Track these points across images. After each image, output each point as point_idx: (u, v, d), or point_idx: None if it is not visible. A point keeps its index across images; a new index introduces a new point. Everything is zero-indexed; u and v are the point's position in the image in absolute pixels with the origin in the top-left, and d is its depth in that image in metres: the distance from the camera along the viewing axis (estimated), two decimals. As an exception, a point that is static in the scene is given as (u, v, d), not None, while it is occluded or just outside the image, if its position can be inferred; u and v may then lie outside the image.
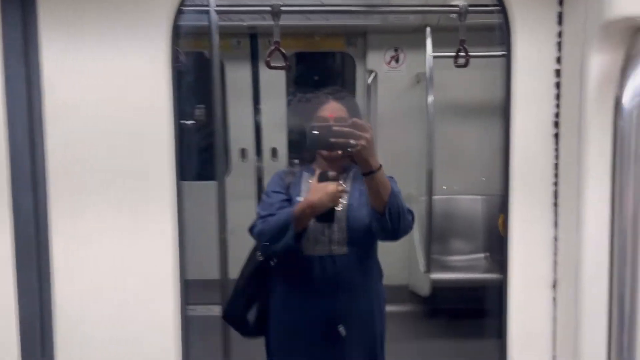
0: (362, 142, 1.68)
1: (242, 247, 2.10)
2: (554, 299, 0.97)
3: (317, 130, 1.75)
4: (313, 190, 1.83)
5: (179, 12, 0.93)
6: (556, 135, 0.95)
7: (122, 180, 0.95)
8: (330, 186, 1.80)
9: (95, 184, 0.94)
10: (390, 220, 1.78)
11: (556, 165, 0.95)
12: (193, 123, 4.22)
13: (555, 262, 0.97)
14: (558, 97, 0.94)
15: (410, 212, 1.85)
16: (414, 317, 4.43)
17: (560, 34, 0.92)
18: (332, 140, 1.71)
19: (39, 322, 0.96)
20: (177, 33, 0.93)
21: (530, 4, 0.93)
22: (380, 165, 1.75)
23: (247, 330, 2.07)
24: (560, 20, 0.92)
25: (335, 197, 1.82)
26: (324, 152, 1.89)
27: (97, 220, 0.94)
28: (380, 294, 2.02)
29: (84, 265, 0.95)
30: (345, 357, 1.95)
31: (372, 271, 2.00)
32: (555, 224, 0.96)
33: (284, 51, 2.60)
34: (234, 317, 2.09)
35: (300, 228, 1.84)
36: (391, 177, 1.88)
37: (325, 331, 1.93)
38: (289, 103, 4.60)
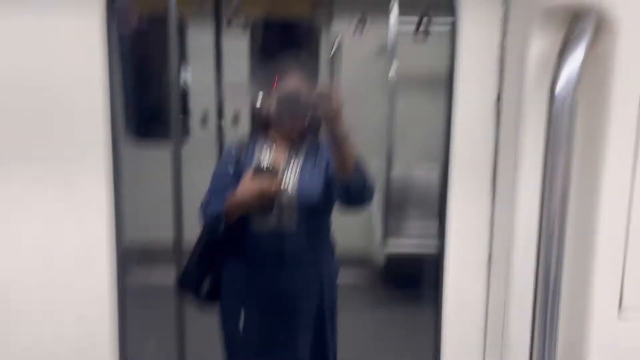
0: (330, 109, 1.65)
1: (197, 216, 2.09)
2: (488, 274, 1.01)
3: (284, 99, 1.71)
4: (244, 185, 1.80)
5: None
6: (497, 113, 0.97)
7: (51, 141, 0.92)
8: (263, 184, 1.76)
9: (20, 146, 0.91)
10: (357, 189, 1.76)
11: (496, 142, 0.98)
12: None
13: (491, 239, 1.00)
14: (501, 76, 0.95)
15: (372, 181, 1.86)
16: (368, 287, 4.51)
17: (505, 16, 0.93)
18: (300, 109, 1.66)
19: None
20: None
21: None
22: (348, 135, 1.74)
23: (201, 300, 2.08)
24: (505, 1, 0.93)
25: (265, 198, 1.79)
26: (284, 121, 1.86)
27: (23, 189, 0.92)
28: (331, 268, 2.05)
29: (9, 238, 0.93)
30: (295, 330, 1.98)
31: (322, 246, 2.02)
32: (493, 200, 0.99)
33: (245, 14, 2.55)
34: (188, 287, 2.08)
35: (234, 218, 1.84)
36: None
37: (274, 306, 1.95)
38: (251, 71, 4.52)
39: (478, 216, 1.00)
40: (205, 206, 1.92)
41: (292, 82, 1.86)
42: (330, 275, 2.04)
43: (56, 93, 0.90)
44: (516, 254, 0.94)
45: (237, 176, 1.86)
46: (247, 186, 1.77)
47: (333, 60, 4.58)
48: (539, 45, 0.85)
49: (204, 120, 4.69)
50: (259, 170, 1.76)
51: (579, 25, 0.80)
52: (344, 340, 2.13)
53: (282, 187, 1.83)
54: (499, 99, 0.96)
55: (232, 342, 2.03)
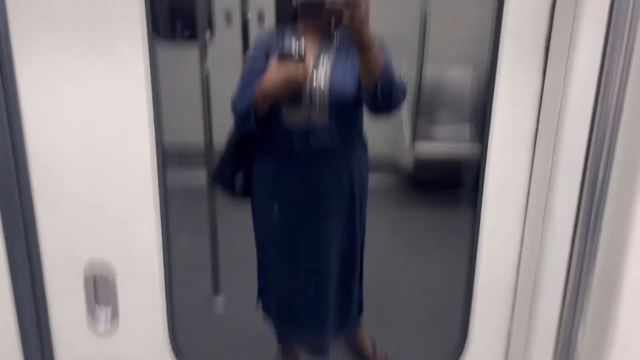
0: (357, 11, 1.55)
1: (227, 113, 2.07)
2: (533, 151, 0.97)
3: (306, 6, 1.61)
4: (270, 72, 1.71)
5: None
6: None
7: (90, 17, 0.88)
8: (289, 70, 1.69)
9: (60, 19, 0.88)
10: (382, 96, 1.69)
11: (551, 18, 0.90)
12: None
13: (539, 112, 0.95)
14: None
15: (403, 89, 1.79)
16: (397, 186, 4.53)
17: None
18: (325, 8, 1.57)
19: (13, 167, 0.94)
20: None
21: None
22: (374, 41, 1.64)
23: (235, 192, 2.10)
24: None
25: (292, 84, 1.70)
26: (309, 23, 1.77)
27: (64, 59, 0.89)
28: (362, 164, 2.03)
29: (53, 107, 0.92)
30: (324, 224, 2.00)
31: (354, 142, 1.99)
32: (544, 74, 0.93)
33: None
34: (222, 180, 2.11)
35: (264, 110, 1.79)
36: (382, 45, 1.79)
37: (305, 200, 1.96)
38: None
39: (526, 94, 0.94)
40: (235, 100, 1.88)
41: None
42: (360, 172, 2.03)
43: None
44: (567, 130, 0.89)
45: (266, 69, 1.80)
46: (274, 72, 1.72)
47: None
48: None
49: (228, 18, 4.55)
50: (285, 56, 1.69)
51: None
52: (374, 242, 2.17)
53: (311, 79, 1.78)
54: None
55: (264, 237, 2.07)
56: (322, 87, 1.80)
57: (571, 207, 0.90)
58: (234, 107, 1.87)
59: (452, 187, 4.06)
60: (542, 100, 0.94)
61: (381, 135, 4.39)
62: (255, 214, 2.08)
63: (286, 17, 1.92)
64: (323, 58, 1.84)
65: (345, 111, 1.86)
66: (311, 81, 1.78)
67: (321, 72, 1.83)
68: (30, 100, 0.90)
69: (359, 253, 2.10)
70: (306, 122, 1.83)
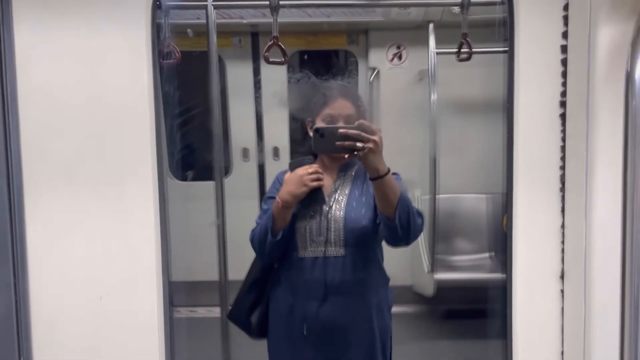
0: (370, 145, 1.56)
1: (243, 249, 2.06)
2: (562, 291, 0.91)
3: (322, 133, 1.62)
4: (284, 184, 1.76)
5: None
6: (563, 116, 0.89)
7: (102, 169, 0.90)
8: (299, 170, 1.71)
9: (72, 171, 0.89)
10: (400, 226, 1.65)
11: (563, 148, 0.89)
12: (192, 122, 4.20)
13: (563, 252, 0.91)
14: (565, 74, 0.88)
15: (420, 215, 1.75)
16: (418, 317, 4.36)
17: (566, 7, 0.86)
18: (338, 143, 1.59)
19: (15, 319, 0.90)
20: (159, 25, 0.88)
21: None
22: (389, 169, 1.66)
23: (252, 332, 2.02)
24: None
25: (303, 180, 1.71)
26: (324, 153, 1.81)
27: (75, 211, 0.89)
28: (383, 299, 1.94)
29: (60, 257, 0.90)
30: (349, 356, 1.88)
31: (372, 275, 1.92)
32: (563, 211, 0.90)
33: (283, 46, 2.54)
34: (238, 319, 2.04)
35: (281, 225, 1.77)
36: (395, 174, 1.80)
37: (321, 336, 1.86)
38: (294, 81, 4.53)
39: (547, 231, 0.91)
40: (253, 231, 1.87)
41: (338, 109, 1.82)
42: (381, 306, 1.94)
43: (108, 116, 0.88)
44: (595, 268, 0.84)
45: None
46: (287, 178, 1.72)
47: (372, 88, 4.56)
48: (608, 35, 0.78)
49: (245, 154, 4.73)
50: (295, 164, 1.72)
51: (654, 8, 0.73)
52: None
53: (327, 210, 1.78)
54: (563, 100, 0.88)
55: None
56: (338, 218, 1.79)
57: (611, 346, 0.82)
58: (252, 236, 1.85)
59: (475, 316, 3.90)
60: (565, 237, 0.90)
61: (401, 266, 4.33)
62: (271, 353, 1.98)
63: (301, 150, 1.98)
64: (339, 189, 1.86)
65: (362, 243, 1.82)
66: (327, 212, 1.80)
67: (337, 203, 1.83)
68: (37, 252, 0.89)
69: None
70: (322, 255, 1.80)
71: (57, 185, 0.89)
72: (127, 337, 0.92)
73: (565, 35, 0.86)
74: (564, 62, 0.87)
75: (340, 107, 1.80)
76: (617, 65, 0.77)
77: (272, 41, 2.53)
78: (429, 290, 4.12)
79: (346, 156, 1.69)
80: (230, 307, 2.11)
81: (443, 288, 4.05)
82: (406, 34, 4.41)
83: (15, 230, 0.89)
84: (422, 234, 4.32)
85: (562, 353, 0.92)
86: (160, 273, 0.89)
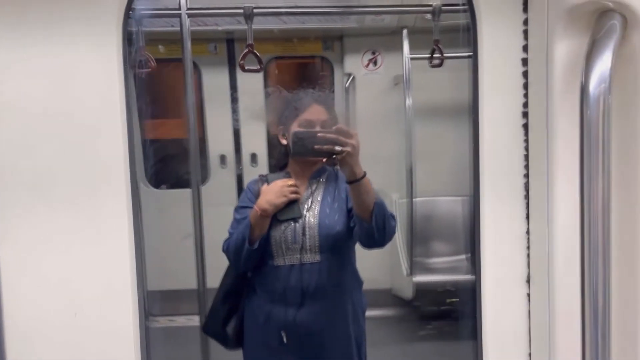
0: (348, 148, 1.60)
1: (221, 256, 2.07)
2: (528, 295, 0.95)
3: (300, 137, 1.67)
4: (262, 194, 1.80)
5: (129, 9, 0.89)
6: (525, 126, 0.92)
7: (74, 184, 0.90)
8: (278, 182, 1.79)
9: (44, 187, 0.89)
10: (377, 228, 1.69)
11: (526, 157, 0.93)
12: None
13: (528, 257, 0.94)
14: (526, 86, 0.91)
15: (393, 217, 1.78)
16: (398, 321, 4.40)
17: (526, 22, 0.90)
18: (317, 147, 1.62)
19: (-13, 335, 0.90)
20: (129, 32, 0.89)
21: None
22: (365, 173, 1.67)
23: (227, 343, 2.03)
24: (525, 7, 0.89)
25: (283, 191, 1.78)
26: (302, 158, 1.84)
27: (48, 227, 0.89)
28: (357, 303, 1.97)
29: (34, 274, 0.90)
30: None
31: (347, 279, 1.95)
32: (527, 217, 0.93)
33: (258, 54, 2.55)
34: (213, 331, 2.04)
35: (259, 234, 1.80)
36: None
37: (299, 342, 1.88)
38: (266, 95, 4.53)
39: (513, 236, 0.94)
40: (227, 241, 1.88)
41: (314, 114, 1.85)
42: (355, 310, 1.96)
43: (80, 129, 0.88)
44: (558, 273, 0.88)
45: None
46: (265, 189, 1.80)
47: (347, 93, 4.60)
48: (564, 48, 0.81)
49: (223, 161, 4.72)
50: (272, 178, 1.84)
51: (606, 23, 0.76)
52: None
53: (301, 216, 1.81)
54: (525, 110, 0.92)
55: None
56: (313, 225, 1.81)
57: (574, 347, 0.85)
58: (227, 246, 1.86)
59: (453, 318, 3.95)
60: (530, 242, 0.93)
61: (380, 269, 4.37)
62: (246, 358, 1.99)
63: (278, 157, 2.00)
64: (311, 197, 1.88)
65: (337, 248, 1.85)
66: (302, 220, 1.82)
67: (311, 211, 1.85)
68: (8, 271, 0.89)
69: None
70: (298, 262, 1.82)
71: (29, 201, 0.89)
72: (104, 350, 0.92)
73: (525, 48, 0.90)
74: (525, 75, 0.91)
75: (316, 112, 1.84)
76: (573, 78, 0.80)
77: (247, 49, 2.55)
78: (408, 293, 4.17)
79: (324, 160, 1.72)
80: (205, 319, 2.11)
81: (422, 290, 4.10)
82: (381, 40, 4.46)
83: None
84: (399, 238, 4.37)
85: (530, 355, 0.95)
86: (135, 283, 0.90)
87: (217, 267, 2.13)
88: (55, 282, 0.91)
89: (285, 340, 1.87)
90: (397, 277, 4.40)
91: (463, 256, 4.37)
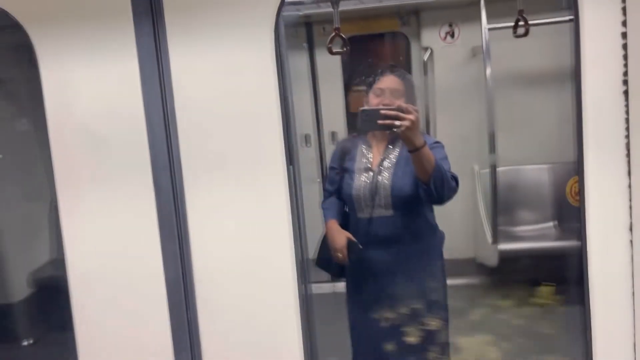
0: (407, 123, 1.82)
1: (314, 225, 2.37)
2: (631, 241, 1.07)
3: (366, 113, 1.89)
4: (330, 234, 2.18)
5: (279, 14, 1.08)
6: (626, 92, 1.04)
7: (241, 162, 1.12)
8: (338, 243, 2.13)
9: (219, 166, 1.12)
10: (435, 190, 1.94)
11: (627, 120, 1.05)
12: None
13: (630, 208, 1.06)
14: (625, 57, 1.03)
15: (455, 178, 2.00)
16: (483, 288, 4.48)
17: (625, 6, 1.01)
18: (380, 122, 1.83)
19: (182, 283, 1.15)
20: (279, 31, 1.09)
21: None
22: (425, 142, 1.88)
23: (335, 273, 2.39)
24: None
25: (335, 251, 2.13)
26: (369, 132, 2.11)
27: (224, 196, 1.12)
28: (432, 248, 2.23)
29: (214, 233, 1.13)
30: (404, 293, 2.19)
31: (419, 228, 2.18)
32: (629, 173, 1.05)
33: (344, 36, 2.72)
34: (322, 265, 2.39)
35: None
36: (438, 142, 2.08)
37: (382, 277, 2.18)
38: (346, 88, 4.71)
39: (616, 190, 1.07)
40: (323, 203, 2.29)
41: (386, 84, 2.06)
42: (433, 249, 2.22)
43: (243, 117, 1.10)
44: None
45: (344, 170, 2.18)
46: (333, 236, 2.17)
47: (426, 66, 4.66)
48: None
49: (307, 140, 4.95)
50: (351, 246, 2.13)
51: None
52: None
53: (376, 177, 2.10)
54: (625, 79, 1.03)
55: (355, 312, 2.29)
56: (387, 185, 2.06)
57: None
58: (323, 207, 2.27)
59: (538, 284, 3.99)
60: (632, 195, 1.06)
61: (463, 239, 4.46)
62: (347, 289, 2.36)
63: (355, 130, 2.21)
64: (386, 160, 2.13)
65: (407, 204, 2.09)
66: (377, 180, 2.09)
67: (384, 172, 2.11)
68: (196, 229, 1.13)
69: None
70: (375, 214, 2.11)
71: (209, 175, 1.12)
72: (267, 293, 1.15)
73: (624, 23, 1.01)
74: (625, 47, 1.02)
75: (390, 81, 2.08)
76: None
77: (335, 32, 2.71)
78: (492, 260, 4.24)
79: (387, 132, 1.90)
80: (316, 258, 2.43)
81: (506, 258, 4.16)
82: (457, 12, 4.48)
83: (179, 213, 1.13)
84: (482, 207, 4.42)
85: (633, 294, 1.09)
86: (292, 244, 1.11)
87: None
88: (229, 239, 1.14)
89: (373, 277, 2.19)
90: (481, 245, 4.48)
91: (550, 223, 4.37)
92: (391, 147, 2.15)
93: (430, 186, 1.92)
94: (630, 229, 1.07)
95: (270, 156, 1.11)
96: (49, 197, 3.88)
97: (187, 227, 1.13)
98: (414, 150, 1.87)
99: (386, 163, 2.13)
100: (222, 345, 1.15)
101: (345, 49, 2.80)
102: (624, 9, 1.01)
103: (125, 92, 1.10)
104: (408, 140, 1.86)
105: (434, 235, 2.24)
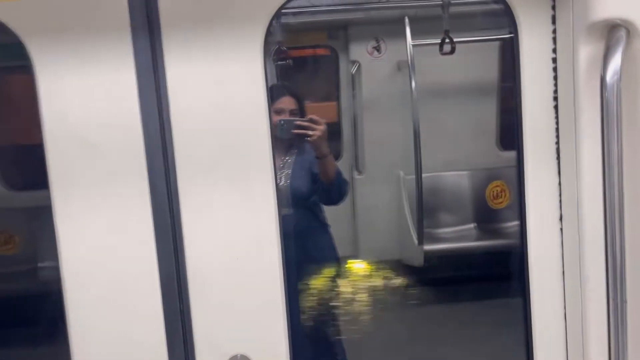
0: (318, 133, 2.22)
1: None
2: (561, 229, 1.30)
3: (284, 124, 2.24)
4: None
5: (268, 31, 1.21)
6: (556, 107, 1.27)
7: (232, 167, 1.23)
8: None
9: (212, 170, 1.22)
10: (336, 191, 2.39)
11: (557, 129, 1.28)
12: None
13: (560, 202, 1.29)
14: (555, 78, 1.26)
15: (347, 182, 2.53)
16: (408, 288, 4.75)
17: (554, 31, 1.24)
18: (295, 131, 2.22)
19: (176, 279, 1.24)
20: (268, 45, 1.22)
21: (531, 7, 1.24)
22: (330, 151, 2.30)
23: None
24: (554, 21, 1.24)
25: None
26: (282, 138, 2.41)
27: (217, 198, 1.22)
28: (323, 237, 2.58)
29: (207, 229, 1.23)
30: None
31: (312, 221, 2.51)
32: (559, 173, 1.28)
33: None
34: None
35: None
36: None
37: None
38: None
39: (549, 187, 1.29)
40: None
41: (286, 106, 2.40)
42: (324, 241, 2.58)
43: (233, 123, 1.21)
44: (585, 214, 1.23)
45: None
46: None
47: (354, 79, 4.90)
48: (586, 51, 1.16)
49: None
50: None
51: (616, 34, 1.11)
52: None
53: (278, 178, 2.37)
54: (555, 95, 1.27)
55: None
56: (285, 185, 2.38)
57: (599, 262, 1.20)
58: None
59: (463, 282, 4.33)
60: (561, 189, 1.29)
61: (390, 240, 4.72)
62: None
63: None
64: (287, 163, 2.44)
65: (303, 200, 2.42)
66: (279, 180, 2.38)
67: (284, 175, 2.42)
68: (190, 229, 1.22)
69: None
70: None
71: (202, 178, 1.22)
72: (255, 288, 1.26)
73: (554, 50, 1.24)
74: (555, 69, 1.25)
75: (286, 101, 2.40)
76: (593, 71, 1.15)
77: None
78: (418, 260, 4.53)
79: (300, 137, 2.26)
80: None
81: (430, 258, 4.46)
82: (384, 28, 4.76)
83: (173, 214, 1.22)
84: (407, 211, 4.70)
85: (563, 273, 1.31)
86: (279, 241, 1.24)
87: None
88: (222, 238, 1.24)
89: None
90: (407, 246, 4.76)
91: (471, 225, 4.73)
92: (292, 151, 2.46)
93: (333, 187, 2.32)
94: (560, 219, 1.30)
95: (258, 161, 1.23)
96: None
97: (181, 227, 1.22)
98: (322, 156, 2.25)
99: (287, 164, 2.44)
100: (214, 336, 1.25)
101: (288, 61, 2.98)
102: (554, 39, 1.24)
103: (122, 102, 1.18)
104: (317, 148, 2.24)
105: (325, 226, 2.57)
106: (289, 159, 2.47)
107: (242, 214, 1.24)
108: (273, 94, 2.41)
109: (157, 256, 1.22)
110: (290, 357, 1.27)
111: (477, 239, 4.62)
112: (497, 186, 4.61)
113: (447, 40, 2.99)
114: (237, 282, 1.25)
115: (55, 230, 1.20)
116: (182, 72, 1.19)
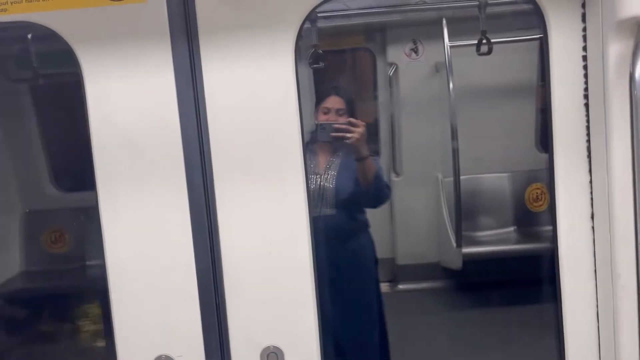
0: (356, 135, 2.22)
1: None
2: (593, 227, 1.30)
3: (323, 126, 2.26)
4: None
5: (299, 36, 1.26)
6: (586, 105, 1.27)
7: (264, 163, 1.28)
8: None
9: (246, 166, 1.28)
10: (374, 194, 2.36)
11: (588, 127, 1.27)
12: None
13: (592, 199, 1.29)
14: (586, 75, 1.26)
15: (388, 187, 2.51)
16: (447, 291, 4.72)
17: (584, 29, 1.24)
18: (333, 134, 2.23)
19: (212, 273, 1.30)
20: (299, 46, 1.27)
21: (561, 6, 1.25)
22: (369, 154, 2.29)
23: None
24: (584, 19, 1.24)
25: None
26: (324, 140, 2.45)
27: (251, 193, 1.28)
28: (366, 241, 2.56)
29: (241, 224, 1.29)
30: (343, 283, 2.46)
31: (357, 224, 2.52)
32: (590, 171, 1.28)
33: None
34: None
35: None
36: (376, 156, 2.54)
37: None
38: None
39: (580, 185, 1.29)
40: None
41: (329, 104, 2.44)
42: (364, 244, 2.55)
43: (267, 124, 1.26)
44: (616, 211, 1.23)
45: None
46: None
47: (391, 81, 4.91)
48: (616, 48, 1.16)
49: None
50: None
51: (646, 30, 1.10)
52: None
53: (322, 181, 2.42)
54: (586, 93, 1.27)
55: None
56: (330, 186, 2.40)
57: (630, 260, 1.20)
58: None
59: (502, 286, 4.27)
60: (592, 188, 1.28)
61: (429, 243, 4.70)
62: None
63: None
64: (331, 165, 2.47)
65: (348, 202, 2.42)
66: (322, 183, 2.43)
67: (330, 176, 2.45)
68: (225, 223, 1.28)
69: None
70: (320, 212, 2.39)
71: (237, 176, 1.28)
72: (287, 283, 1.31)
73: (585, 48, 1.24)
74: (585, 67, 1.25)
75: (333, 101, 2.43)
76: (623, 69, 1.15)
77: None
78: (457, 263, 4.49)
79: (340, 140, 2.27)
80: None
81: (469, 261, 4.42)
82: (422, 30, 4.75)
83: (210, 209, 1.28)
84: (446, 213, 4.67)
85: (595, 271, 1.31)
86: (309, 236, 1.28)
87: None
88: (254, 232, 1.29)
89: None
90: (446, 249, 4.73)
91: (510, 228, 4.66)
92: (336, 153, 2.48)
93: (370, 191, 2.30)
94: (592, 218, 1.30)
95: (290, 161, 1.28)
96: (19, 209, 3.88)
97: (217, 223, 1.28)
98: (361, 159, 2.25)
99: (331, 166, 2.46)
100: (248, 328, 1.31)
101: (322, 64, 3.01)
102: (584, 37, 1.24)
103: (162, 104, 1.25)
104: (356, 150, 2.24)
105: (367, 228, 2.56)
106: (335, 161, 2.49)
107: (275, 211, 1.29)
108: (319, 94, 2.55)
109: (194, 251, 1.29)
110: (320, 351, 1.31)
111: (517, 242, 4.54)
112: (536, 188, 4.53)
113: (484, 40, 2.97)
114: (270, 277, 1.30)
115: (102, 228, 1.28)
116: (217, 75, 1.25)
